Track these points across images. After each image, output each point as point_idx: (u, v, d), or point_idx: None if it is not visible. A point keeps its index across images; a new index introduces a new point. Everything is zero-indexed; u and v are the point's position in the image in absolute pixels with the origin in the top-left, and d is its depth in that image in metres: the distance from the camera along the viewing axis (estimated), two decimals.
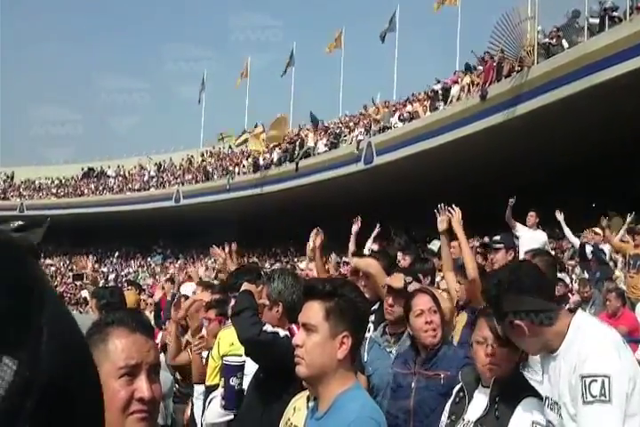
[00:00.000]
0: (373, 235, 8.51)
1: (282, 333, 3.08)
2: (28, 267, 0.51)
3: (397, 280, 3.93)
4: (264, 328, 3.09)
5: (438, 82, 20.66)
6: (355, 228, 7.39)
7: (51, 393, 0.48)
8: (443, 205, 4.61)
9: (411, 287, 3.89)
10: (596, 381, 2.06)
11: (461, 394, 2.76)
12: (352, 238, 7.31)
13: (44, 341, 0.49)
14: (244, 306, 3.22)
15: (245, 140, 29.13)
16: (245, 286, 3.40)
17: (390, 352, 3.82)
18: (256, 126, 28.66)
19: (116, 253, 38.88)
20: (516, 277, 2.29)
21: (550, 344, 2.27)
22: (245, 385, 3.41)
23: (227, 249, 5.91)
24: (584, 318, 2.32)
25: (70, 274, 36.92)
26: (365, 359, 3.87)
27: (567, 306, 6.59)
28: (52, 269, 38.23)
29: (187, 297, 6.68)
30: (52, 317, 0.50)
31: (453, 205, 4.56)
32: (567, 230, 9.97)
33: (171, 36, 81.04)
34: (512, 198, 9.02)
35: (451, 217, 4.53)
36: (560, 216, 9.80)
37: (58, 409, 0.49)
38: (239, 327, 3.20)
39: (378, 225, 8.45)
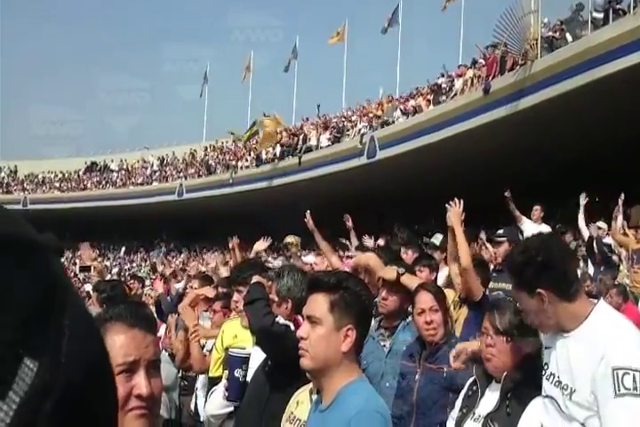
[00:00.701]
0: (351, 230, 8.15)
1: (293, 326, 3.09)
2: (51, 266, 0.50)
3: (390, 272, 3.87)
4: (276, 320, 3.10)
5: (442, 75, 20.62)
6: (348, 224, 7.39)
7: (70, 395, 0.48)
8: (454, 199, 4.51)
9: (404, 279, 3.83)
10: (628, 374, 2.06)
11: (474, 388, 2.76)
12: (352, 234, 7.31)
13: (64, 342, 0.48)
14: (256, 296, 3.23)
15: (253, 134, 29.06)
16: (257, 278, 3.41)
17: (384, 346, 3.79)
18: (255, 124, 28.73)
19: (121, 248, 38.90)
20: (545, 246, 2.30)
21: (564, 323, 2.25)
22: (249, 378, 3.42)
23: (230, 244, 5.97)
24: (608, 307, 2.32)
25: (73, 268, 37.01)
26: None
27: None
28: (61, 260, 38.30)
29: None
30: (74, 318, 0.50)
31: (456, 199, 4.49)
32: (582, 219, 9.80)
33: (171, 36, 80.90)
34: (506, 191, 8.88)
35: (449, 209, 4.45)
36: (583, 201, 9.51)
37: (76, 411, 0.49)
38: (252, 316, 3.20)
39: (348, 217, 7.95)
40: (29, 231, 0.50)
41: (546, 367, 2.35)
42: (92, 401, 0.51)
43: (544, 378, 2.35)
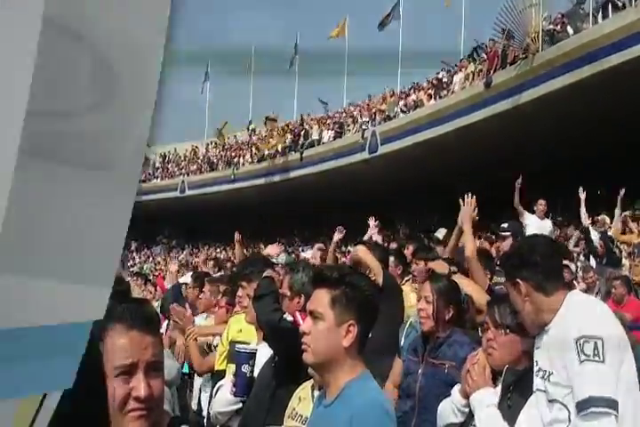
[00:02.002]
0: (373, 230, 8.03)
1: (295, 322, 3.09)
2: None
3: (442, 266, 3.81)
4: (284, 316, 3.10)
5: (443, 70, 20.58)
6: (336, 237, 7.06)
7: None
8: (468, 195, 4.43)
9: (456, 277, 3.71)
10: (588, 342, 2.21)
11: None
12: (333, 247, 7.05)
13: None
14: (266, 291, 3.22)
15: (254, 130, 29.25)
16: (268, 272, 3.40)
17: None
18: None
19: (131, 244, 38.86)
20: (530, 243, 2.65)
21: (542, 316, 2.40)
22: (256, 374, 3.42)
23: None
24: (577, 294, 2.53)
25: None
26: (402, 344, 3.82)
27: None
28: None
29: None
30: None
31: (468, 197, 4.40)
32: (583, 212, 9.81)
33: (170, 36, 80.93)
34: (518, 181, 8.86)
35: (462, 205, 4.40)
36: (582, 195, 9.53)
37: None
38: (260, 311, 3.20)
39: (373, 219, 7.95)
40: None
41: (535, 364, 2.44)
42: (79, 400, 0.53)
43: (534, 375, 2.43)
